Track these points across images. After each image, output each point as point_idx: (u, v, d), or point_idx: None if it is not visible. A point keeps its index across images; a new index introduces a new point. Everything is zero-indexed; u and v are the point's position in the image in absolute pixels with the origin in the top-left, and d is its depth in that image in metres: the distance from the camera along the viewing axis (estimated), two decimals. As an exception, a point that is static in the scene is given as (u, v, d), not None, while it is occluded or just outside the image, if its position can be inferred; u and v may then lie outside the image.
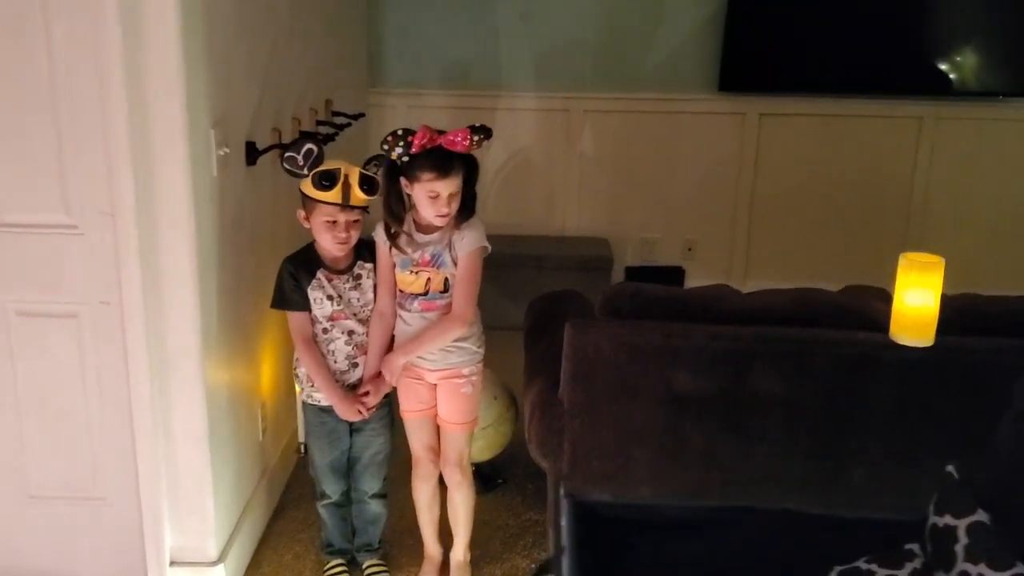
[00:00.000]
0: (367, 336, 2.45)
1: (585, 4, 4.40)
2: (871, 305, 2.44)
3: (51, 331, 2.29)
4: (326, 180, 2.30)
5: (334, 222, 2.33)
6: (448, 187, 2.24)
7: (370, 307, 2.45)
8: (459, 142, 2.22)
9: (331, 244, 2.36)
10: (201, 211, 2.26)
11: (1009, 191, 4.56)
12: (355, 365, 2.46)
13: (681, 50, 4.45)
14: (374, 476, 2.58)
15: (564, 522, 2.19)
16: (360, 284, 2.45)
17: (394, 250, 2.35)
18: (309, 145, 2.31)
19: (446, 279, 2.36)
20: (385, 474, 2.60)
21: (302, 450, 2.95)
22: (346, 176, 2.30)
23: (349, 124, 3.71)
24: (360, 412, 2.44)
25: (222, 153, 2.37)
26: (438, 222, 2.30)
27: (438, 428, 2.52)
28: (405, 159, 2.23)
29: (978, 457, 2.34)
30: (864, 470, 2.36)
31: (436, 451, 2.54)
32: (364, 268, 2.45)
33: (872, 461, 2.36)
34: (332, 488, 2.57)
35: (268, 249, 2.88)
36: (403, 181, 2.28)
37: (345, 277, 2.43)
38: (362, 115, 4.10)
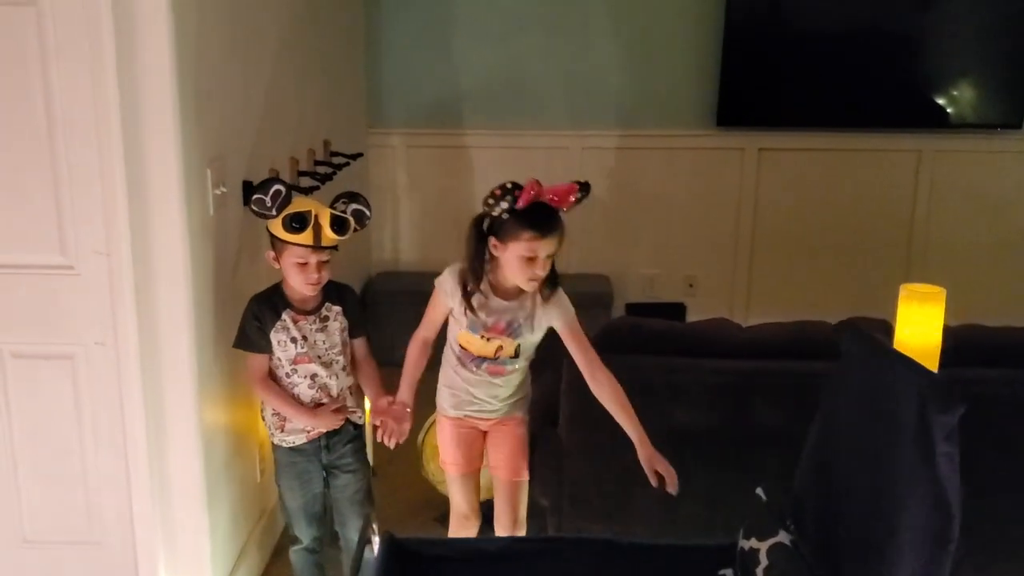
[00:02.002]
0: (330, 379, 2.36)
1: (583, 41, 4.43)
2: (872, 338, 2.42)
3: (46, 372, 2.28)
4: (296, 223, 2.23)
5: (305, 263, 2.27)
6: (547, 247, 2.10)
7: (336, 350, 2.37)
8: (566, 198, 2.09)
9: (301, 285, 2.30)
10: (197, 250, 2.26)
11: (1009, 222, 4.56)
12: (320, 405, 2.37)
13: (679, 86, 4.48)
14: (358, 515, 2.46)
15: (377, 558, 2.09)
16: (327, 326, 2.37)
17: (466, 310, 2.20)
18: (276, 186, 2.24)
19: (518, 346, 2.25)
20: (370, 511, 2.48)
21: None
22: (316, 217, 2.24)
23: (347, 164, 3.72)
24: (338, 419, 2.37)
25: (218, 192, 2.37)
26: (529, 287, 2.15)
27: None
28: (506, 216, 2.08)
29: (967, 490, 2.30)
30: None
31: (478, 507, 2.44)
32: (332, 310, 2.38)
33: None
34: (304, 533, 2.46)
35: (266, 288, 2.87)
36: (492, 241, 2.13)
37: (312, 318, 2.36)
38: (360, 155, 4.12)
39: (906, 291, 2.26)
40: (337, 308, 2.39)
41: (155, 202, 2.17)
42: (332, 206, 2.31)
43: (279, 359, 2.34)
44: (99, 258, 2.19)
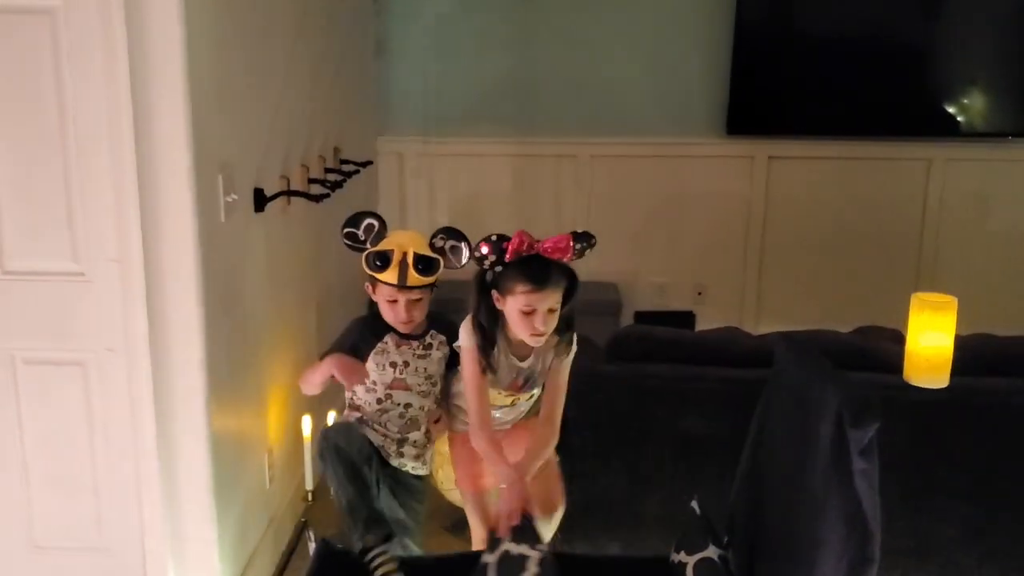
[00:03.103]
0: (420, 413, 2.28)
1: (592, 49, 4.43)
2: (884, 346, 2.41)
3: (57, 379, 2.29)
4: (379, 260, 2.18)
5: (394, 301, 2.21)
6: (545, 301, 1.99)
7: (433, 380, 2.29)
8: (559, 249, 1.99)
9: (393, 322, 2.25)
10: (208, 257, 2.26)
11: (1020, 231, 4.53)
12: (405, 440, 2.30)
13: (688, 94, 4.48)
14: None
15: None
16: (429, 355, 2.29)
17: (484, 369, 2.11)
18: (369, 220, 2.19)
19: (533, 394, 2.22)
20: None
21: (310, 497, 2.92)
22: (403, 255, 2.16)
23: (357, 171, 3.73)
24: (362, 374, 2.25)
25: (230, 200, 2.38)
26: (532, 342, 2.05)
27: None
28: (498, 269, 2.01)
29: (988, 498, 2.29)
30: (881, 514, 2.31)
31: None
32: (436, 338, 2.30)
33: (887, 505, 2.31)
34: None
35: (278, 295, 2.88)
36: (495, 294, 2.05)
37: (416, 344, 2.28)
38: (370, 163, 4.13)
39: (917, 300, 2.25)
40: (441, 337, 2.30)
41: (166, 209, 2.18)
42: (431, 241, 2.21)
43: (374, 383, 2.27)
44: (110, 265, 2.20)
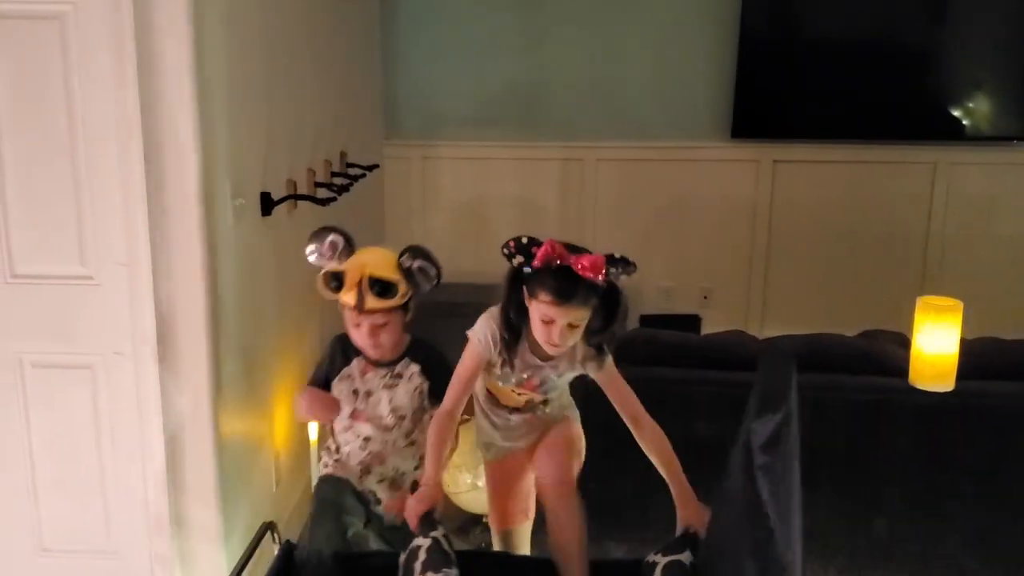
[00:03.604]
0: (386, 449, 2.17)
1: (598, 53, 4.44)
2: (889, 350, 2.42)
3: (65, 382, 2.30)
4: (333, 281, 2.06)
5: (358, 325, 2.09)
6: (566, 316, 1.92)
7: (400, 414, 2.17)
8: (587, 268, 1.88)
9: (360, 347, 2.14)
10: (216, 261, 2.27)
11: (1025, 235, 4.53)
12: (368, 472, 2.18)
13: (693, 98, 4.48)
14: None
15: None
16: (397, 385, 2.16)
17: (500, 361, 2.05)
18: (332, 237, 2.06)
19: (547, 399, 2.15)
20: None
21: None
22: (360, 279, 2.02)
23: (363, 175, 3.74)
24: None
25: (237, 204, 2.39)
26: (549, 350, 2.01)
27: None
28: (527, 270, 1.94)
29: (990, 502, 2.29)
30: (885, 518, 2.32)
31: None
32: (408, 368, 2.16)
33: (893, 509, 2.32)
34: None
35: (286, 300, 2.89)
36: (525, 292, 1.99)
37: (384, 371, 2.16)
38: (376, 166, 4.14)
39: (923, 304, 2.26)
40: (415, 368, 2.16)
41: (174, 213, 2.18)
42: (399, 259, 2.07)
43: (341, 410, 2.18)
44: (119, 269, 2.21)
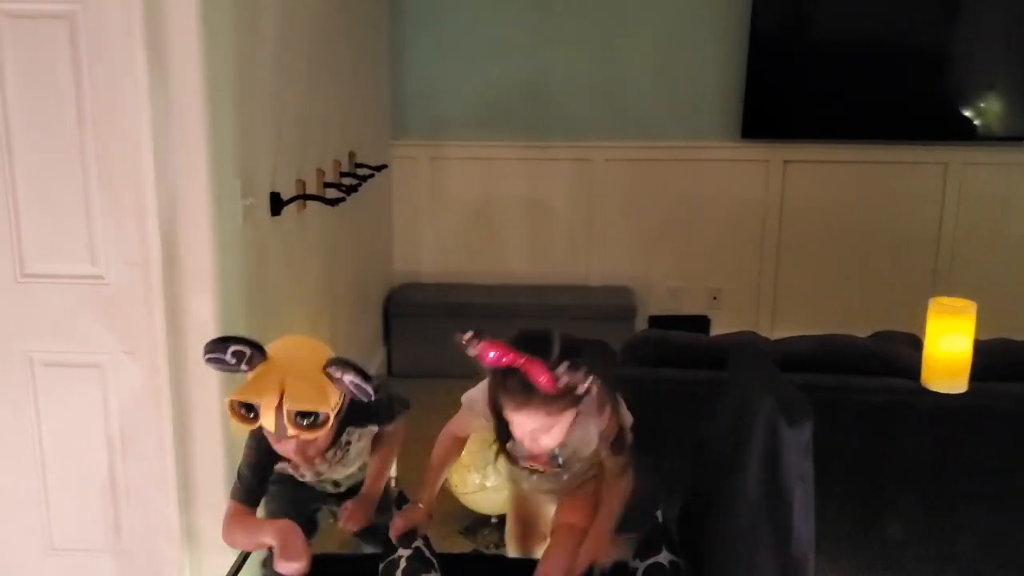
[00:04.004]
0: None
1: (607, 53, 4.43)
2: (901, 351, 2.40)
3: (75, 381, 2.29)
4: (246, 411, 1.68)
5: (279, 441, 1.75)
6: (531, 421, 1.66)
7: (358, 466, 1.99)
8: (540, 381, 1.59)
9: (287, 456, 1.83)
10: (226, 260, 2.27)
11: (1038, 235, 4.51)
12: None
13: (703, 98, 4.47)
14: None
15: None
16: (348, 453, 1.92)
17: (498, 452, 1.85)
18: (235, 347, 1.69)
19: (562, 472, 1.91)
20: None
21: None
22: (281, 398, 1.65)
23: (372, 175, 3.74)
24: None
25: (247, 203, 2.39)
26: (534, 460, 1.81)
27: None
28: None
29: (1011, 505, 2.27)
30: (898, 522, 2.30)
31: None
32: (354, 434, 1.90)
33: (906, 513, 2.30)
34: None
35: (294, 299, 2.89)
36: None
37: (331, 452, 1.89)
38: (385, 167, 4.14)
39: (936, 305, 2.24)
40: (359, 431, 1.90)
41: (185, 213, 2.18)
42: (325, 368, 1.69)
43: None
44: (129, 268, 2.20)
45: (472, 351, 1.64)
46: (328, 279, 3.35)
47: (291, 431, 1.67)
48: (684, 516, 2.03)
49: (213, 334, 2.25)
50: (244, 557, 2.03)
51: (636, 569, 1.91)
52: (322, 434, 1.73)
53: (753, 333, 2.55)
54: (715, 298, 4.66)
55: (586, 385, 1.61)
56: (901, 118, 4.42)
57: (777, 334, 3.20)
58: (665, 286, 4.65)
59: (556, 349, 1.64)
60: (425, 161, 4.57)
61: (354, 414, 1.82)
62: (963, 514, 2.30)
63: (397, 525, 1.87)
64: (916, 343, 2.38)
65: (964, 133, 4.43)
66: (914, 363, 2.29)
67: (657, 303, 4.64)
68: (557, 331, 1.69)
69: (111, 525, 2.39)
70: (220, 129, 2.21)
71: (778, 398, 1.56)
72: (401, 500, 2.01)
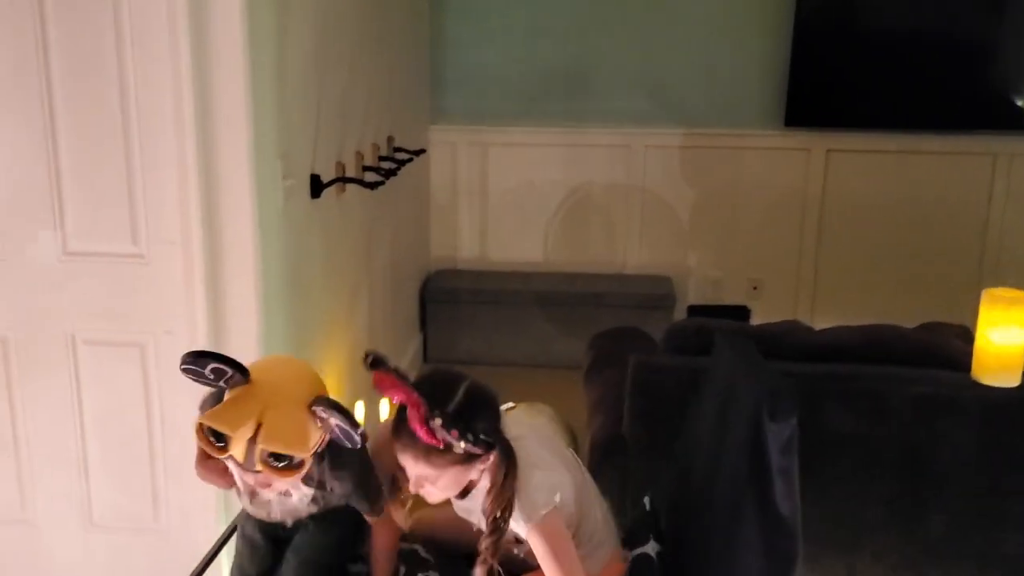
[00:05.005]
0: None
1: (648, 38, 4.38)
2: (951, 343, 2.35)
3: (116, 360, 2.31)
4: (215, 438, 1.52)
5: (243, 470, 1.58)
6: (413, 466, 1.58)
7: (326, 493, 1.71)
8: (415, 428, 1.52)
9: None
10: (267, 241, 2.27)
11: (1088, 227, 4.40)
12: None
13: (745, 84, 4.40)
14: None
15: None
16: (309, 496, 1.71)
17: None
18: (215, 365, 1.52)
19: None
20: None
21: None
22: (257, 430, 1.48)
23: (410, 160, 3.72)
24: None
25: (288, 185, 2.38)
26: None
27: None
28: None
29: None
30: (944, 516, 2.26)
31: None
32: (327, 477, 1.66)
33: (952, 507, 2.25)
34: None
35: (333, 281, 2.89)
36: None
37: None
38: (423, 151, 4.12)
39: (989, 296, 2.18)
40: (335, 479, 1.65)
41: (226, 193, 2.18)
42: (311, 406, 1.53)
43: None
44: (170, 247, 2.21)
45: (372, 375, 1.55)
46: (366, 264, 3.35)
47: (259, 467, 1.51)
48: (671, 505, 1.98)
49: (253, 315, 2.26)
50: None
51: (625, 559, 1.83)
52: (293, 479, 1.58)
53: (797, 322, 2.50)
54: (755, 288, 4.60)
55: (463, 446, 1.52)
56: (948, 107, 4.32)
57: (818, 325, 3.16)
58: (704, 276, 4.60)
59: (455, 400, 1.54)
60: (463, 146, 4.55)
61: (333, 458, 1.62)
62: (1011, 510, 2.24)
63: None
64: (966, 335, 2.33)
65: (1013, 123, 4.32)
66: (964, 356, 2.24)
67: (696, 293, 4.59)
68: (472, 383, 1.59)
69: (149, 504, 2.41)
70: (261, 110, 2.20)
71: (763, 389, 1.52)
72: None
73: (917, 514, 2.28)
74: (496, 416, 1.62)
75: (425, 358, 4.41)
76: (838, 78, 4.36)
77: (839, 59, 4.33)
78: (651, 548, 1.82)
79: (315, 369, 1.69)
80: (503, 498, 1.60)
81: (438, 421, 1.51)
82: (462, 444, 1.53)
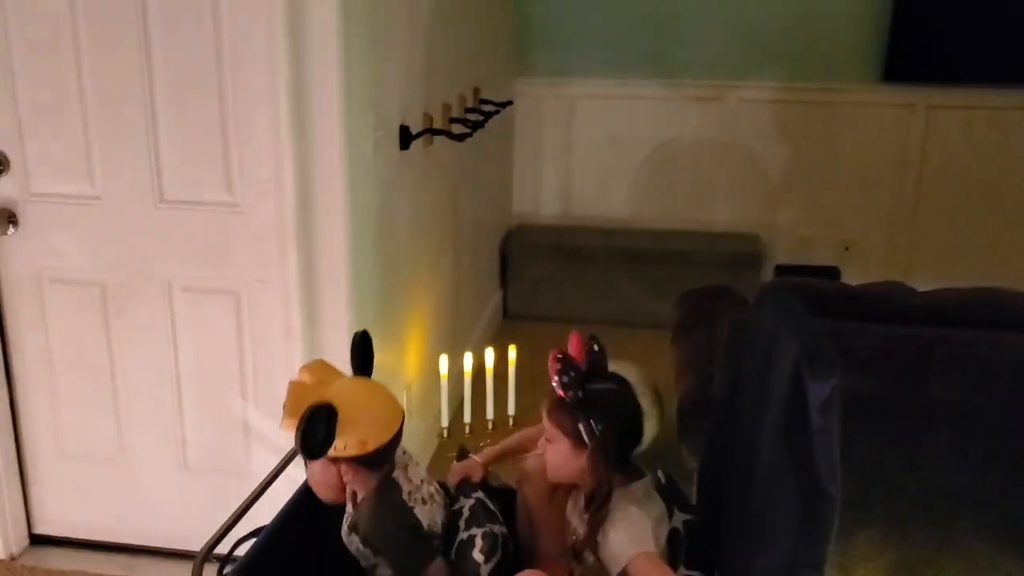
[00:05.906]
0: None
1: (742, -10, 4.24)
2: (1064, 309, 2.23)
3: (211, 307, 2.35)
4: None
5: None
6: (546, 418, 1.63)
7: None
8: (553, 380, 1.59)
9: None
10: (357, 192, 2.27)
11: None
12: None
13: (843, 36, 4.23)
14: None
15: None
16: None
17: None
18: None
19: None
20: None
21: (445, 434, 2.95)
22: (310, 410, 1.56)
23: (497, 112, 3.69)
24: None
25: (378, 135, 2.38)
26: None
27: None
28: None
29: None
30: (1051, 491, 2.16)
31: None
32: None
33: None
34: None
35: (420, 234, 2.89)
36: None
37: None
38: (510, 103, 4.08)
39: (1110, 260, 2.06)
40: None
41: (318, 143, 2.18)
42: (305, 423, 1.58)
43: None
44: (263, 197, 2.23)
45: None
46: (451, 216, 3.34)
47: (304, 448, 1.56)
48: (704, 467, 1.92)
49: (344, 266, 2.27)
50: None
51: None
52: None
53: (900, 283, 2.41)
54: (847, 248, 4.45)
55: (578, 418, 1.56)
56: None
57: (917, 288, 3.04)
58: (794, 234, 4.47)
59: (599, 388, 1.60)
60: (550, 99, 4.49)
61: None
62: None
63: (454, 470, 1.87)
64: (1080, 301, 2.21)
65: None
66: (1079, 322, 2.13)
67: (785, 252, 4.47)
68: (624, 396, 1.64)
69: (241, 448, 2.46)
70: (353, 60, 2.19)
71: (804, 347, 1.45)
72: (462, 454, 1.95)
73: (1016, 487, 2.19)
74: (616, 431, 1.59)
75: (505, 313, 4.41)
76: (941, 30, 4.14)
77: (943, 9, 4.11)
78: (677, 520, 1.71)
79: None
80: (593, 520, 1.58)
81: (567, 379, 1.56)
82: (579, 416, 1.56)
